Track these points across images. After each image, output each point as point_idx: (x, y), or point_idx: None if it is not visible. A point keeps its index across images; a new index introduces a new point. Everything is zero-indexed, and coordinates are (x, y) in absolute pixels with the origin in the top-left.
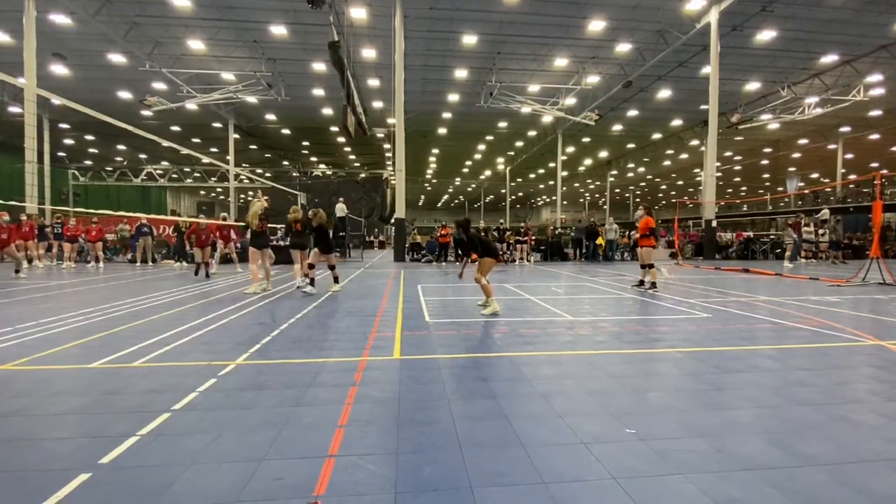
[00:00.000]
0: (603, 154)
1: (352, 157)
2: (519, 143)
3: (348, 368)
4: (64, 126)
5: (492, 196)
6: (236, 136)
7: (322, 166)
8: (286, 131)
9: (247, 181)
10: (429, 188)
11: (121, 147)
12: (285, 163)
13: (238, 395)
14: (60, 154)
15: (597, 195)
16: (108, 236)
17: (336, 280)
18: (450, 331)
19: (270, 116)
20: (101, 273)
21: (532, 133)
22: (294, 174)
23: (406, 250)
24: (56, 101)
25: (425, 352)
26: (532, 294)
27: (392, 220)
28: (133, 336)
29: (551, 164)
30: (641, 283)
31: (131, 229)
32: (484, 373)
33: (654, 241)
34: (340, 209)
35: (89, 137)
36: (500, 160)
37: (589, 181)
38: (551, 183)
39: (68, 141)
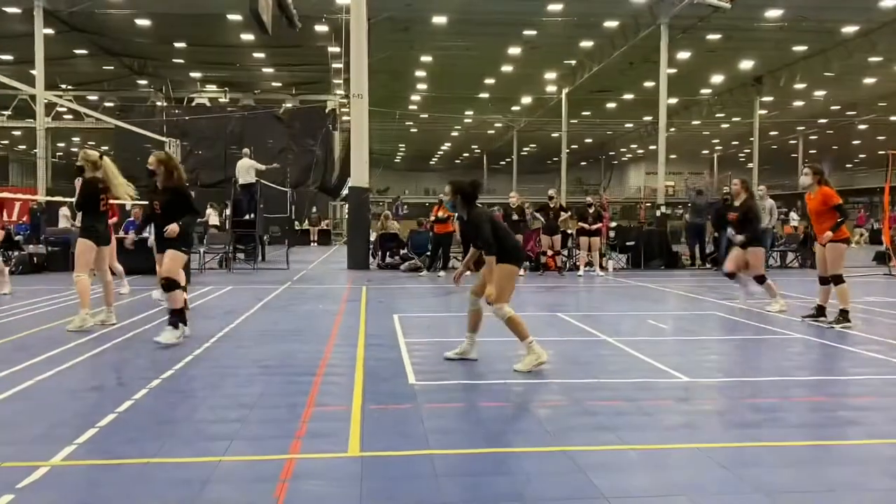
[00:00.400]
0: (745, 65)
1: (268, 70)
2: (586, 45)
3: (261, 476)
4: None
5: (533, 145)
6: (49, 30)
7: (211, 89)
8: (144, 22)
9: (69, 116)
10: (415, 131)
11: None
12: (142, 82)
13: None
14: None
15: (733, 144)
16: None
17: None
18: (454, 402)
19: None
20: None
21: (610, 24)
22: (158, 103)
23: (373, 248)
24: None
25: (407, 443)
26: (611, 332)
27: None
28: None
29: (647, 84)
30: (820, 311)
31: None
32: (518, 484)
33: (845, 231)
34: (245, 168)
35: None
36: (551, 76)
37: (720, 115)
38: (647, 119)
39: None
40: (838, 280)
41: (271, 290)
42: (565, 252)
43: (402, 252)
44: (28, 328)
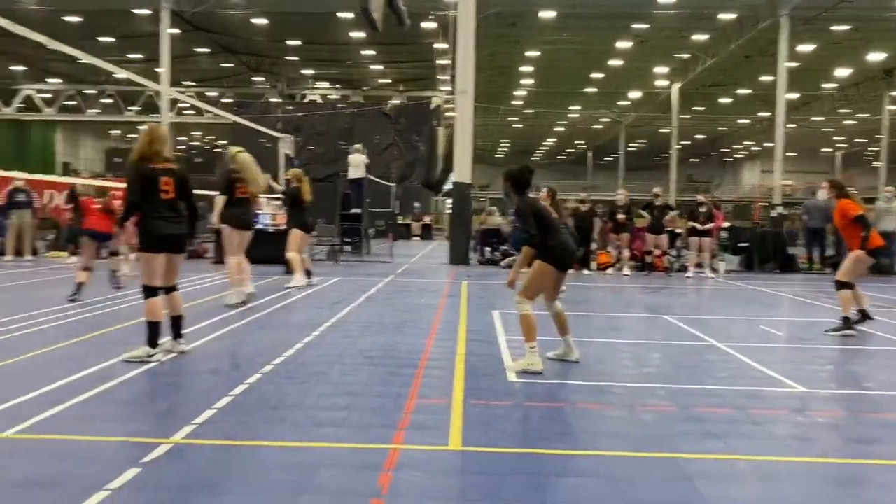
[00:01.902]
0: (874, 57)
1: (376, 67)
2: (699, 38)
3: (366, 464)
4: None
5: (641, 141)
6: (174, 30)
7: (322, 86)
8: (261, 21)
9: (191, 112)
10: (519, 126)
11: None
12: (258, 79)
13: (176, 501)
14: None
15: (858, 142)
16: None
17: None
18: (554, 401)
19: None
20: None
21: (725, 16)
22: (273, 99)
23: (474, 243)
24: None
25: (507, 440)
26: (720, 337)
27: (447, 187)
28: (3, 385)
29: (764, 78)
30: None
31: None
32: (620, 489)
33: (875, 239)
34: (357, 163)
35: None
36: (662, 70)
37: (844, 111)
38: (763, 114)
39: None
40: (843, 286)
41: (375, 283)
42: (673, 252)
43: (503, 248)
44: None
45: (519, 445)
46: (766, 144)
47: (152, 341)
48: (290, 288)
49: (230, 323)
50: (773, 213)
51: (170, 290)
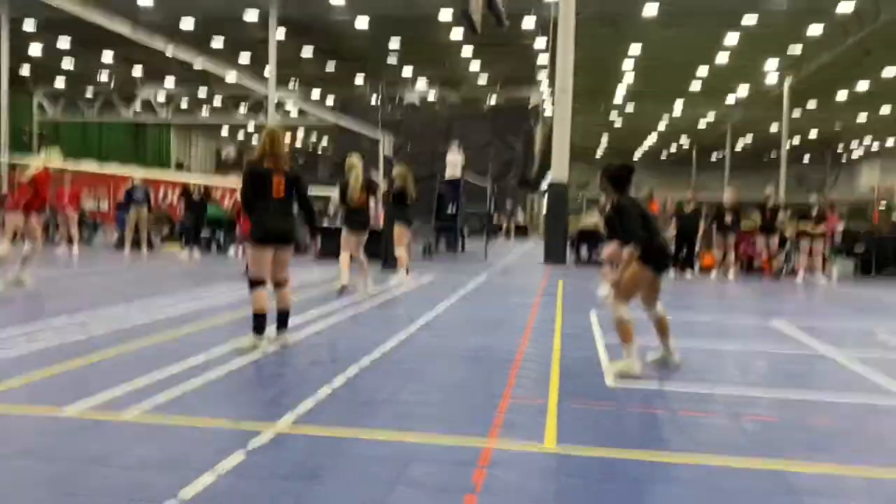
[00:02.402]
0: None
1: (474, 68)
2: (813, 33)
3: (459, 460)
4: (28, 29)
5: (749, 139)
6: (281, 35)
7: (421, 86)
8: (363, 24)
9: (295, 114)
10: (618, 125)
11: (106, 59)
12: (359, 81)
13: (279, 487)
14: (22, 74)
15: None
16: (86, 205)
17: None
18: (652, 406)
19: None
20: (76, 262)
21: (844, 9)
22: (373, 101)
23: (570, 243)
24: None
25: (604, 442)
26: (832, 345)
27: (543, 186)
28: (121, 369)
29: (886, 74)
30: None
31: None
32: (723, 499)
33: None
34: (454, 164)
35: (63, 45)
36: (772, 66)
37: None
38: (885, 112)
39: (34, 52)
40: None
41: (470, 281)
42: (783, 255)
43: (600, 246)
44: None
45: (615, 449)
46: (888, 144)
47: (257, 331)
48: (393, 285)
49: (330, 317)
50: (894, 216)
51: (278, 284)
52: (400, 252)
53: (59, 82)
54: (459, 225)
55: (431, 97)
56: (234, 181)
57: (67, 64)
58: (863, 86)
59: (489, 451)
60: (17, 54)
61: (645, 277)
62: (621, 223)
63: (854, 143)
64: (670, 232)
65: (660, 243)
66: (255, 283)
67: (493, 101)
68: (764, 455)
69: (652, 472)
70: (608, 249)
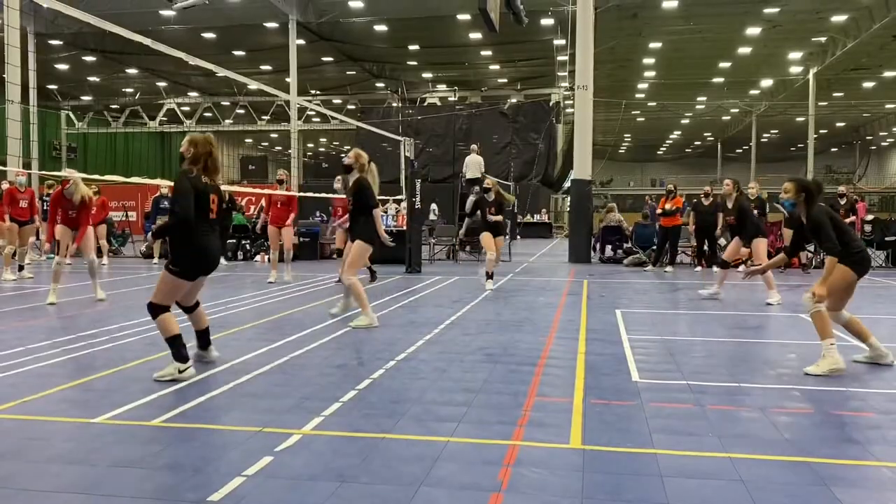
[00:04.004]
0: None
1: (494, 67)
2: (838, 19)
3: (486, 459)
4: (55, 43)
5: (775, 131)
6: (301, 41)
7: (441, 88)
8: (382, 27)
9: (317, 119)
10: (641, 120)
11: (132, 71)
12: (380, 85)
13: (306, 488)
14: (49, 87)
15: None
16: (114, 215)
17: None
18: (680, 402)
19: (356, 4)
20: (105, 273)
21: None
22: (394, 104)
23: (593, 241)
24: (46, 4)
25: (630, 440)
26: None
27: (566, 185)
28: (150, 377)
29: None
30: None
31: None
32: (751, 491)
33: None
34: (475, 164)
35: (89, 58)
36: (796, 56)
37: None
38: None
39: (61, 66)
40: None
41: (494, 282)
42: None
43: (625, 246)
44: (280, 311)
45: (642, 446)
46: None
47: (182, 357)
48: (488, 290)
49: (355, 318)
50: None
51: (196, 306)
52: (491, 258)
53: (86, 95)
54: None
55: (452, 98)
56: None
57: (93, 77)
58: (891, 73)
59: (515, 449)
60: (44, 69)
61: (848, 279)
62: (819, 234)
63: (883, 132)
64: (689, 227)
65: (857, 247)
66: (160, 310)
67: (514, 99)
68: (794, 447)
69: (679, 467)
70: (729, 250)
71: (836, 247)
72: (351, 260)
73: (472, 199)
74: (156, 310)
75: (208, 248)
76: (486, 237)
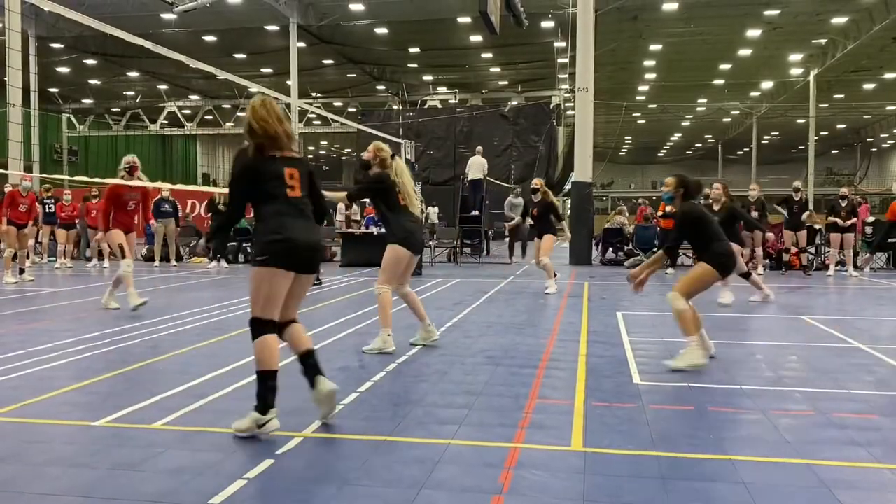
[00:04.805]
0: None
1: (495, 69)
2: (838, 21)
3: (487, 461)
4: (56, 46)
5: (775, 133)
6: (301, 44)
7: (442, 91)
8: (383, 30)
9: (318, 122)
10: (642, 122)
11: (133, 74)
12: (381, 87)
13: (307, 491)
14: (51, 90)
15: None
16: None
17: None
18: (681, 404)
19: (356, 6)
20: (107, 276)
21: None
22: (395, 106)
23: (595, 242)
24: (48, 7)
25: (631, 442)
26: (865, 339)
27: (567, 187)
28: (152, 379)
29: None
30: None
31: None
32: (752, 494)
33: None
34: (477, 166)
35: (90, 61)
36: (796, 58)
37: None
38: None
39: (62, 69)
40: None
41: (495, 284)
42: (812, 249)
43: (625, 246)
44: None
45: (643, 448)
46: None
47: (268, 400)
48: (548, 293)
49: (356, 323)
50: None
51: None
52: (546, 261)
53: (87, 98)
54: (484, 227)
55: (453, 100)
56: None
57: (94, 80)
58: (891, 74)
59: (516, 451)
60: (45, 72)
61: (712, 280)
62: (678, 231)
63: (884, 134)
64: None
65: (721, 250)
66: (262, 325)
67: (514, 102)
68: (796, 450)
69: (680, 470)
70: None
71: (676, 244)
72: (381, 266)
73: (513, 200)
74: (255, 327)
75: (290, 228)
76: (535, 243)
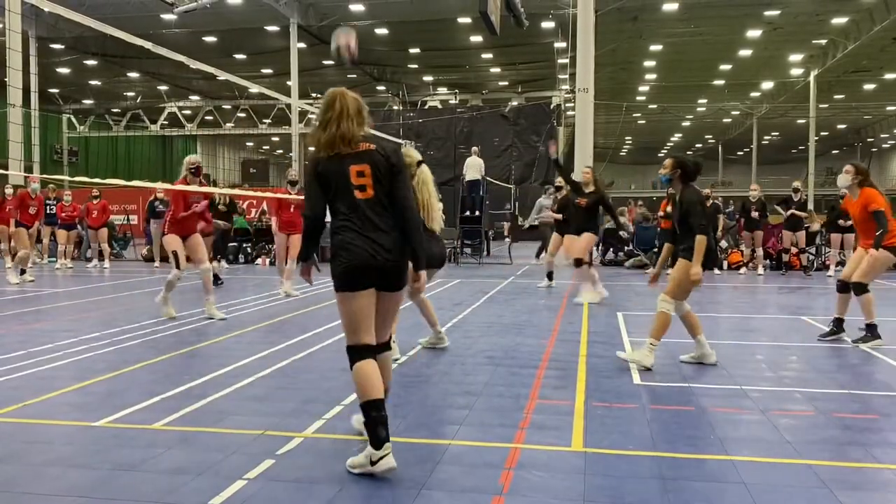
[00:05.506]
0: None
1: (495, 70)
2: (838, 21)
3: (488, 462)
4: (56, 47)
5: (775, 133)
6: (302, 44)
7: (442, 91)
8: (383, 31)
9: (316, 122)
10: (642, 123)
11: (133, 74)
12: (381, 88)
13: (308, 491)
14: (51, 90)
15: None
16: (116, 219)
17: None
18: (682, 404)
19: (357, 7)
20: (107, 276)
21: None
22: (395, 107)
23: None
24: (48, 8)
25: (632, 442)
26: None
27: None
28: (152, 379)
29: None
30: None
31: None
32: (753, 494)
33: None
34: (475, 166)
35: (90, 62)
36: (796, 58)
37: None
38: None
39: (62, 69)
40: (861, 290)
41: (495, 284)
42: (812, 250)
43: (625, 247)
44: (282, 314)
45: (644, 448)
46: None
47: (380, 434)
48: (578, 303)
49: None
50: None
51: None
52: (584, 265)
53: (87, 98)
54: (484, 228)
55: (453, 101)
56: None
57: (95, 80)
58: (891, 75)
59: (517, 452)
60: (45, 73)
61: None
62: (687, 215)
63: (885, 134)
64: None
65: (709, 245)
66: (353, 352)
67: (514, 102)
68: (797, 450)
69: (680, 470)
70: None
71: (706, 227)
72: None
73: (543, 202)
74: (349, 355)
75: (351, 246)
76: (566, 240)
